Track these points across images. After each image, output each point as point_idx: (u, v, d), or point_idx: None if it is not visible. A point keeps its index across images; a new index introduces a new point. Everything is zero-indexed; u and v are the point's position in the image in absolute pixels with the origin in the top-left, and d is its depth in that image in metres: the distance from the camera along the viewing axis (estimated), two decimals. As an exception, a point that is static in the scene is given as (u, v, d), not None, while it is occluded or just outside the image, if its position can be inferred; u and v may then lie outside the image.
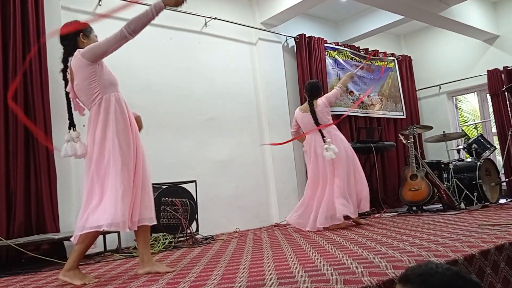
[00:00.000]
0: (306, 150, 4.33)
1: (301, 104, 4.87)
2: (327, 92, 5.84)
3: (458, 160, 5.76)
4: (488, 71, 6.52)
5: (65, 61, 2.48)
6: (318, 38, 6.04)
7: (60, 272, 2.35)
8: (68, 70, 2.45)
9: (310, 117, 4.19)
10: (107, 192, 2.32)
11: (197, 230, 4.08)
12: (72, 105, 2.52)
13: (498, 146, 6.33)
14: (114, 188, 2.29)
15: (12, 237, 3.24)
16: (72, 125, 2.48)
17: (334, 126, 4.28)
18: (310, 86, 4.32)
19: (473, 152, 5.41)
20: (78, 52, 2.39)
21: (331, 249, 2.69)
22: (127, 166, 2.36)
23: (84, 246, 2.33)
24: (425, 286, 0.79)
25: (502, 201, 5.40)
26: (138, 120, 2.65)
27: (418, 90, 7.46)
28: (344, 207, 3.93)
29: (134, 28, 2.33)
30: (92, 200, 2.35)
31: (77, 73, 2.39)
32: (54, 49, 3.79)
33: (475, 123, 7.89)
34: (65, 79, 2.49)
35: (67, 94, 2.52)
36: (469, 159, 5.58)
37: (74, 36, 2.47)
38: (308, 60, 5.88)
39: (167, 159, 4.43)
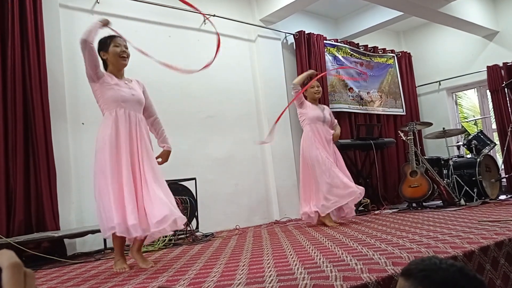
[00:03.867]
0: None
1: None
2: (326, 91, 5.88)
3: (458, 157, 5.75)
4: (487, 67, 6.51)
5: None
6: (317, 34, 6.03)
7: None
8: None
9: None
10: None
11: (197, 227, 4.08)
12: None
13: (498, 142, 6.33)
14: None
15: (12, 235, 3.25)
16: None
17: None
18: None
19: (473, 148, 5.41)
20: None
21: (331, 246, 2.70)
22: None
23: None
24: (428, 282, 0.78)
25: (502, 197, 5.41)
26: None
27: (418, 86, 7.46)
28: None
29: (84, 35, 2.51)
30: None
31: None
32: (53, 48, 3.80)
33: (475, 119, 7.89)
34: None
35: None
36: (469, 156, 5.57)
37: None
38: (307, 57, 5.87)
39: (166, 156, 4.42)
